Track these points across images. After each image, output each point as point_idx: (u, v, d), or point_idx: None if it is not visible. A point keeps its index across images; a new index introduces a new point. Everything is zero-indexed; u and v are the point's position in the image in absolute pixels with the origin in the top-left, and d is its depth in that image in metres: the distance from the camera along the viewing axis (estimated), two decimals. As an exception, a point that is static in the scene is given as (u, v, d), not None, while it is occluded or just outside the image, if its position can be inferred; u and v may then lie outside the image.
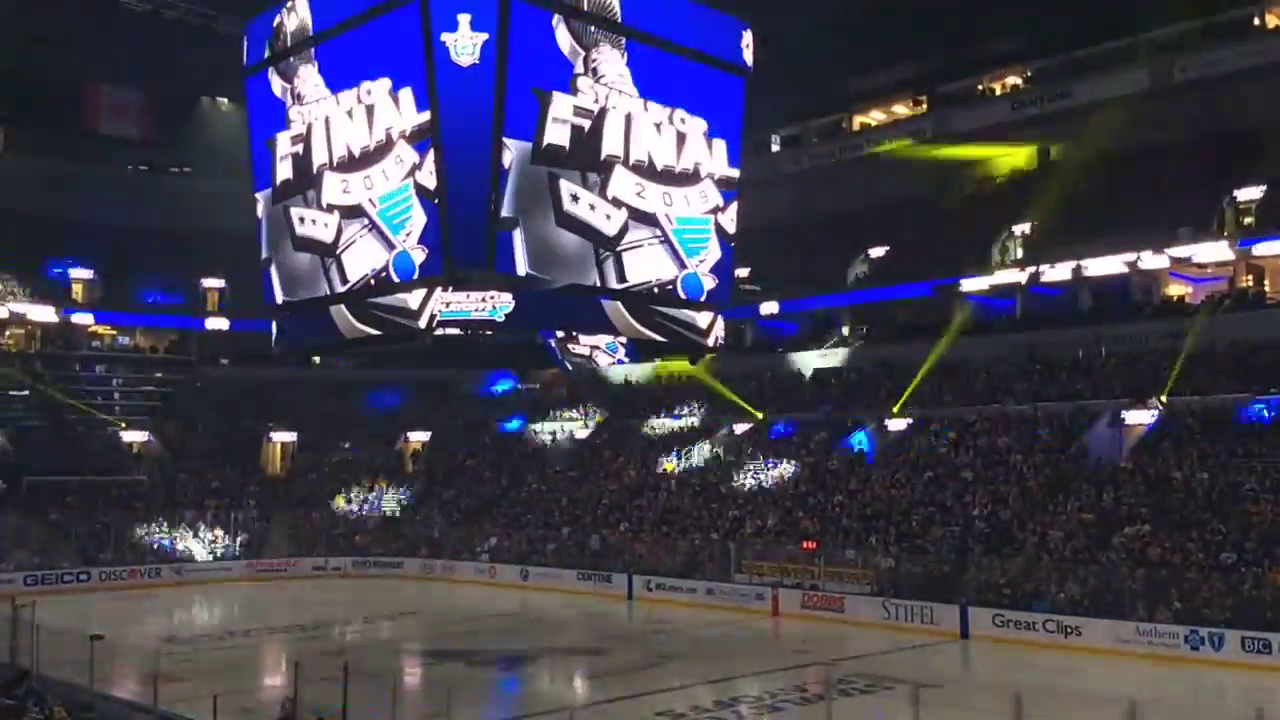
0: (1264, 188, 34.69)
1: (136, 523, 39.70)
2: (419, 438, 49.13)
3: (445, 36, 13.95)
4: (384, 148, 15.03)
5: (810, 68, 43.47)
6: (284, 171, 17.05)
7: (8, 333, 49.09)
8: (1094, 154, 39.17)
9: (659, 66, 15.96)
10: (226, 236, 34.37)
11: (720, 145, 16.92)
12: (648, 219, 15.96)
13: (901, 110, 51.11)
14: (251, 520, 41.88)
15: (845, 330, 44.48)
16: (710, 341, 17.75)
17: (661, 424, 43.58)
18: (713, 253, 16.96)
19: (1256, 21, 40.22)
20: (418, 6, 14.02)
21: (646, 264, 15.99)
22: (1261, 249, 34.04)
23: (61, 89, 53.02)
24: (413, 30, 14.13)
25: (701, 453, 40.19)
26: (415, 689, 21.21)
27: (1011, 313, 39.62)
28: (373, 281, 15.55)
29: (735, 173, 17.22)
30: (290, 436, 48.31)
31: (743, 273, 38.72)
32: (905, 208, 45.82)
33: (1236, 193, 35.17)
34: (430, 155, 14.23)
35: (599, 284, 15.53)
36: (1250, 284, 35.37)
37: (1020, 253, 39.45)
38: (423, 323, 15.24)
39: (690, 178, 16.52)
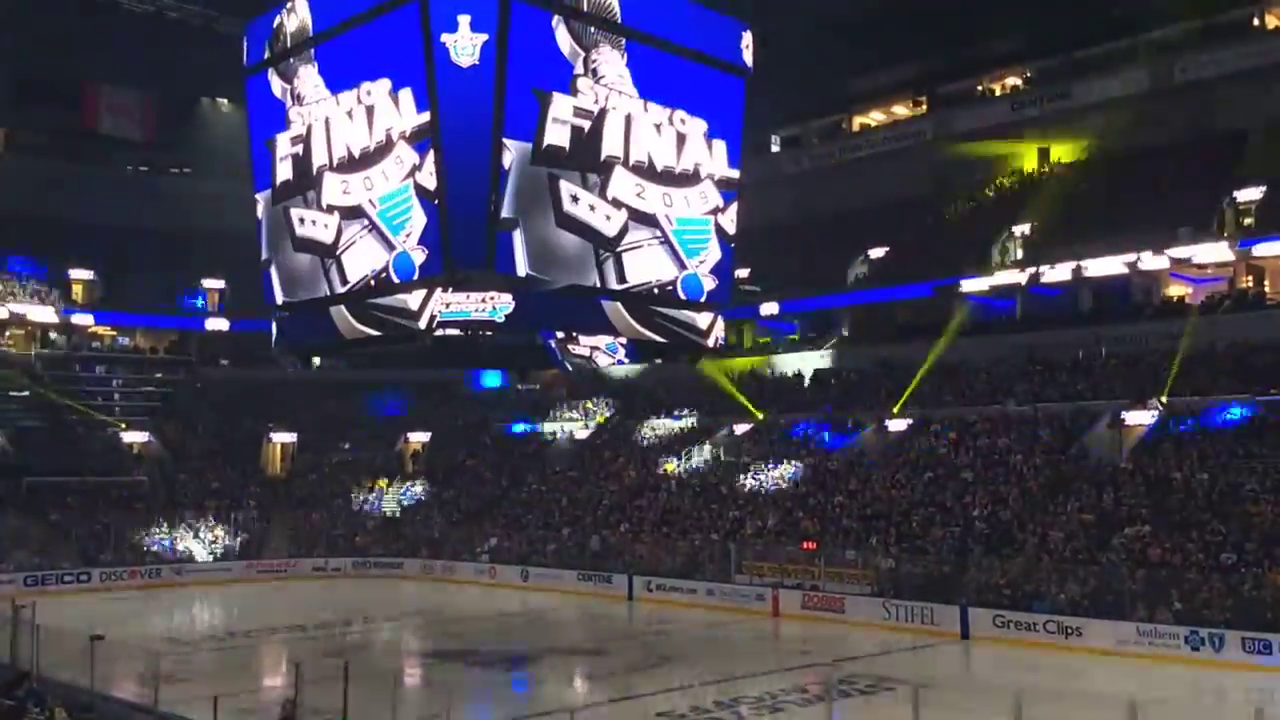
0: (1264, 188, 34.66)
1: (136, 523, 39.68)
2: (419, 438, 49.15)
3: (445, 37, 13.94)
4: (384, 148, 15.01)
5: (810, 68, 43.52)
6: (284, 172, 17.04)
7: (8, 333, 49.09)
8: (1094, 154, 39.17)
9: (659, 67, 15.93)
10: (226, 237, 34.36)
11: (720, 146, 16.89)
12: (648, 220, 15.94)
13: (901, 111, 51.13)
14: (251, 521, 41.89)
15: (845, 331, 44.47)
16: (710, 342, 17.74)
17: (662, 424, 43.60)
18: (713, 253, 16.93)
19: (1256, 22, 40.29)
20: (417, 7, 14.01)
21: (646, 265, 15.96)
22: (1261, 249, 33.97)
23: (62, 89, 53.07)
24: (413, 31, 14.11)
25: (701, 453, 40.20)
26: (415, 689, 21.24)
27: (1011, 313, 39.61)
28: (373, 282, 15.53)
29: (735, 173, 17.18)
30: (290, 437, 48.33)
31: (743, 273, 38.65)
32: (905, 208, 45.81)
33: (1236, 193, 35.13)
34: (430, 156, 14.21)
35: (599, 285, 15.51)
36: (1250, 285, 35.36)
37: (1020, 253, 39.40)
38: (423, 323, 15.19)
39: (690, 178, 16.49)
